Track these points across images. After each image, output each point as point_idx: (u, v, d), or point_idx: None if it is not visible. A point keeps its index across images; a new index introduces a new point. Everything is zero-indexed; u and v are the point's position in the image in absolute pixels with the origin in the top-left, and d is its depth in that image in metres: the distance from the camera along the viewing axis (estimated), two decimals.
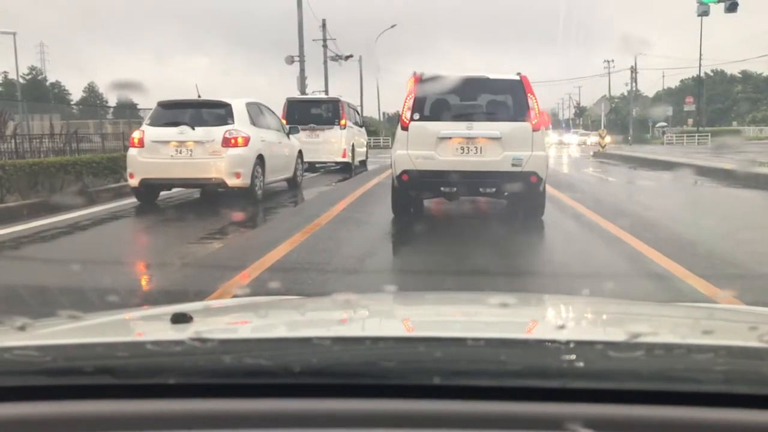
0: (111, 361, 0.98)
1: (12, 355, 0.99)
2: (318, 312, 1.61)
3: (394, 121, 62.97)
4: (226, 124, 9.34)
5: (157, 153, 9.22)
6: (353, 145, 16.42)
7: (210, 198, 9.93)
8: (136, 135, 9.47)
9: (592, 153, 27.14)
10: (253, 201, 9.37)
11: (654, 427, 0.85)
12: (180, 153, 9.18)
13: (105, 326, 1.42)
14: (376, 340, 1.05)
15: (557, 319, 1.56)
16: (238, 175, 9.17)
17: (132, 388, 0.92)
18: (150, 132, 9.37)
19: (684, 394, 0.88)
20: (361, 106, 44.58)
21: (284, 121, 17.73)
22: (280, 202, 10.10)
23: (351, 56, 38.47)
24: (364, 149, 18.58)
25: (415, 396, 0.89)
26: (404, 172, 7.31)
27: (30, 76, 58.70)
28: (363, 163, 18.14)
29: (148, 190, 9.46)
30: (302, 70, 28.70)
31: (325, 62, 36.06)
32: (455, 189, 7.42)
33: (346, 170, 15.77)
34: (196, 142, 9.17)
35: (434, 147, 7.27)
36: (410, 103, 7.39)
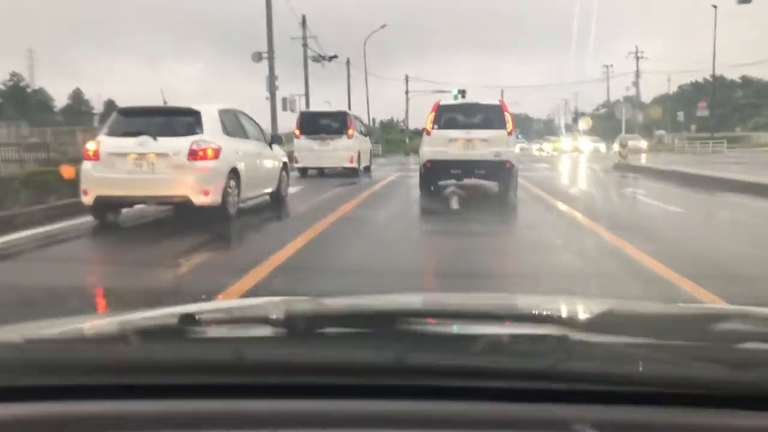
0: (117, 361, 0.97)
1: (16, 355, 1.00)
2: (325, 312, 1.56)
3: (388, 128, 61.54)
4: (194, 134, 8.15)
5: (114, 167, 8.03)
6: (359, 153, 18.14)
7: (175, 217, 8.72)
8: (90, 146, 8.26)
9: (612, 165, 22.07)
10: (224, 221, 8.16)
11: (662, 429, 0.84)
12: (140, 167, 7.99)
13: (111, 326, 1.39)
14: (383, 340, 1.05)
15: (565, 320, 1.45)
16: (206, 192, 7.96)
17: (138, 389, 0.90)
18: (107, 143, 8.18)
19: (693, 396, 0.86)
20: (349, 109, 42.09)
21: (297, 132, 18.74)
22: (255, 222, 8.78)
23: (335, 57, 35.18)
24: (369, 156, 20.31)
25: (421, 397, 0.87)
26: (428, 161, 11.56)
27: (11, 83, 56.96)
28: (367, 168, 19.63)
29: (106, 208, 8.26)
30: (272, 69, 25.09)
31: (305, 62, 32.73)
32: (460, 171, 11.76)
33: (352, 175, 17.35)
34: (158, 154, 7.97)
35: (446, 145, 11.48)
36: (432, 118, 11.81)
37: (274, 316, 1.50)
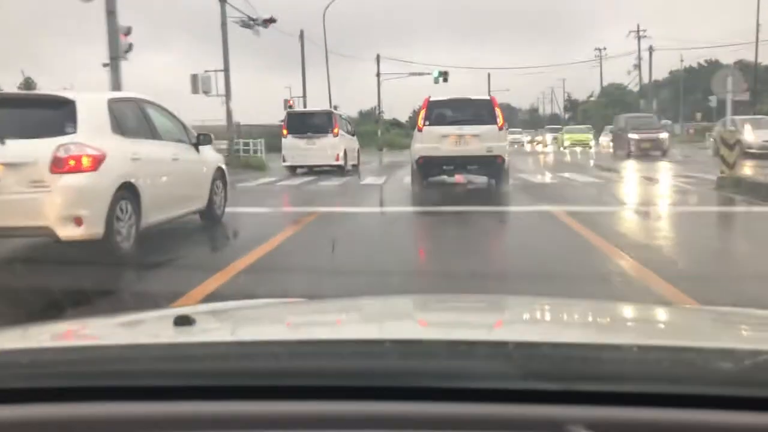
0: (114, 363, 0.97)
1: (17, 358, 0.99)
2: (321, 314, 1.57)
3: (367, 119, 55.99)
4: (64, 133, 5.58)
5: None
6: (345, 151, 18.52)
7: (49, 251, 6.13)
8: None
9: (714, 182, 11.75)
10: (110, 261, 5.59)
11: (657, 430, 0.84)
12: None
13: (108, 329, 1.40)
14: (378, 342, 1.04)
15: (559, 322, 1.49)
16: (78, 220, 5.39)
17: (135, 391, 0.91)
18: None
19: (687, 397, 0.86)
20: (305, 96, 35.07)
21: (285, 131, 18.90)
22: (151, 261, 6.02)
23: (273, 21, 25.40)
24: (356, 154, 20.46)
25: (416, 398, 0.87)
26: (420, 157, 11.91)
27: None
28: (355, 167, 19.65)
29: None
30: (112, 14, 13.89)
31: (224, 25, 23.47)
32: (452, 167, 12.29)
33: (338, 173, 17.57)
34: (7, 165, 5.41)
35: (438, 142, 11.83)
36: (423, 115, 12.20)
37: (271, 317, 1.53)
